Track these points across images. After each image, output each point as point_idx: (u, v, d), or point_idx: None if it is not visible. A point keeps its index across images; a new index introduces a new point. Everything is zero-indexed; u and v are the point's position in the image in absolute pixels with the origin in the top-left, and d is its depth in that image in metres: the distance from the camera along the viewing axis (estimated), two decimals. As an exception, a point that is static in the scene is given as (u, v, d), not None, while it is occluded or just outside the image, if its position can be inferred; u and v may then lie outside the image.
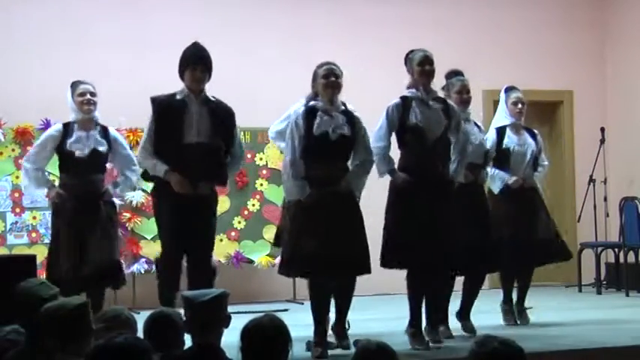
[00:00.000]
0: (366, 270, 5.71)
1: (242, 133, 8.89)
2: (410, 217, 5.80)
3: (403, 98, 5.99)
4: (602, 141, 10.03)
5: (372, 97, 8.83)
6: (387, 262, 5.92)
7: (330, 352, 5.64)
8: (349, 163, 5.81)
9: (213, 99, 6.03)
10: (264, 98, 9.02)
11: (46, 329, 3.74)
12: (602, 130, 10.08)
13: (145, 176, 6.14)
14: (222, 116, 6.01)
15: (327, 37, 9.68)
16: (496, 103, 9.92)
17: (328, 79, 5.74)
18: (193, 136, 5.87)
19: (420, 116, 5.91)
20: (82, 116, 6.41)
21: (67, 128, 6.43)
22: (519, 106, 7.06)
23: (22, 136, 8.36)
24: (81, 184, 6.34)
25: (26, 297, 4.03)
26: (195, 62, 5.98)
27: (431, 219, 5.76)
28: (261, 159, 8.95)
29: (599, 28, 10.72)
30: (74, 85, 6.51)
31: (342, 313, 5.79)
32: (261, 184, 8.96)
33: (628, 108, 10.42)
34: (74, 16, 9.08)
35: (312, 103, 5.78)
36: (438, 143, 5.94)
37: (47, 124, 8.24)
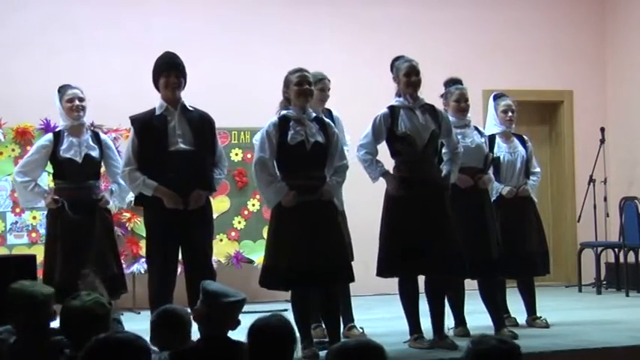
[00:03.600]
0: (349, 278, 5.74)
1: (242, 133, 8.94)
2: (405, 226, 5.82)
3: (391, 108, 6.01)
4: (602, 141, 10.03)
5: (370, 100, 8.85)
6: (382, 272, 5.96)
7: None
8: (325, 170, 5.76)
9: (191, 108, 5.97)
10: (263, 98, 8.97)
11: (65, 326, 3.76)
12: (602, 130, 10.09)
13: (136, 202, 6.06)
14: (202, 124, 5.94)
15: (327, 38, 9.68)
16: (496, 103, 9.94)
17: (301, 87, 5.68)
18: (178, 144, 5.81)
19: (408, 124, 5.94)
20: (72, 122, 6.39)
21: (58, 136, 6.40)
22: (509, 114, 6.99)
23: (22, 136, 8.36)
24: (76, 190, 6.32)
25: (20, 297, 4.02)
26: (169, 69, 5.92)
27: (426, 226, 5.79)
28: (261, 159, 8.95)
29: (599, 28, 10.72)
30: (62, 90, 6.46)
31: (331, 331, 5.73)
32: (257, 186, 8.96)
33: (628, 108, 10.41)
34: (74, 17, 9.08)
35: (283, 112, 5.73)
36: (427, 149, 5.96)
37: (47, 124, 8.25)
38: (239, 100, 9.04)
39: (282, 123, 5.68)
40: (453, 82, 6.61)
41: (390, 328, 6.53)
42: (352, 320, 6.39)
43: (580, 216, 9.97)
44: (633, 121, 10.28)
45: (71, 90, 6.44)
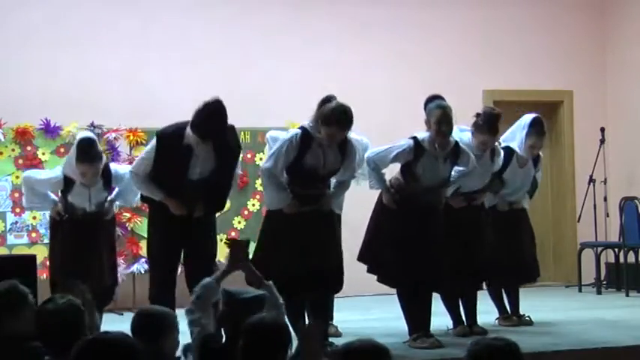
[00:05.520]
0: (339, 286, 5.79)
1: (242, 133, 8.92)
2: (392, 234, 5.88)
3: (417, 144, 5.89)
4: (602, 141, 10.03)
5: (373, 100, 8.87)
6: (363, 259, 6.04)
7: None
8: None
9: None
10: (264, 99, 9.02)
11: (41, 330, 3.74)
12: (602, 130, 10.08)
13: (143, 199, 6.08)
14: (227, 155, 5.88)
15: (328, 39, 9.66)
16: (496, 103, 9.92)
17: (333, 139, 5.58)
18: (196, 175, 5.80)
19: (426, 172, 5.91)
20: (81, 182, 6.16)
21: (67, 182, 6.18)
22: (535, 151, 6.87)
23: (22, 136, 8.35)
24: (82, 215, 6.27)
25: None
26: (208, 137, 5.67)
27: (416, 237, 5.85)
28: (261, 159, 8.90)
29: (599, 29, 10.71)
30: (78, 148, 6.05)
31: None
32: (262, 184, 8.93)
33: (628, 108, 10.41)
34: (74, 16, 9.07)
35: (310, 129, 5.62)
36: (432, 190, 5.98)
37: (47, 124, 8.26)
38: (239, 101, 8.99)
39: (305, 140, 5.61)
40: (433, 99, 6.10)
41: (390, 328, 6.52)
42: (331, 319, 6.42)
43: (580, 216, 9.96)
44: (633, 121, 10.28)
45: (85, 165, 6.02)
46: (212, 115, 5.62)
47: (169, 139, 5.79)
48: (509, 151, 6.84)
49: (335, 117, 5.52)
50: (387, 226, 5.95)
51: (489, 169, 6.53)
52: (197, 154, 5.76)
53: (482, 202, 6.63)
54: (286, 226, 5.60)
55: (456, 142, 6.04)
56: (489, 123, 6.30)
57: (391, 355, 3.19)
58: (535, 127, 6.84)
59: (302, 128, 5.68)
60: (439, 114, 5.83)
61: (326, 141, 5.61)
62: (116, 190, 6.50)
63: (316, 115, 5.61)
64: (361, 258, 6.11)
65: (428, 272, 5.85)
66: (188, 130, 5.72)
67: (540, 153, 7.09)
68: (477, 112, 6.38)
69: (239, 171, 6.23)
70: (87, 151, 6.06)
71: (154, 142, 5.87)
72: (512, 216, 6.92)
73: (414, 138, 5.92)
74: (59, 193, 6.36)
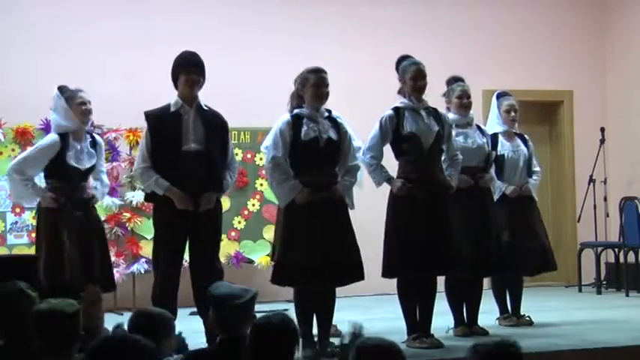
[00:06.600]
0: (361, 277, 5.77)
1: (242, 133, 8.95)
2: (411, 226, 5.83)
3: (395, 109, 6.01)
4: (602, 141, 10.04)
5: (372, 99, 8.86)
6: (391, 272, 5.95)
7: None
8: (337, 168, 5.80)
9: (206, 108, 5.95)
10: (264, 98, 9.02)
11: (37, 331, 3.75)
12: (602, 130, 10.09)
13: (147, 198, 6.08)
14: (216, 126, 5.93)
15: (328, 37, 9.68)
16: (496, 103, 9.92)
17: (319, 90, 5.70)
18: (190, 144, 5.80)
19: (413, 125, 5.96)
20: (80, 126, 6.29)
21: (64, 140, 6.28)
22: (512, 114, 7.02)
23: (22, 136, 8.36)
24: (70, 189, 6.27)
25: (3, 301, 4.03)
26: (189, 66, 5.89)
27: (430, 226, 5.81)
28: (261, 159, 8.93)
29: (599, 28, 10.72)
30: (66, 91, 6.35)
31: (323, 326, 5.75)
32: (261, 184, 8.97)
33: (628, 108, 10.42)
34: (75, 16, 9.09)
35: (296, 111, 5.73)
36: (432, 149, 5.98)
37: (47, 124, 8.24)
38: (239, 100, 9.04)
39: (295, 121, 5.69)
40: (454, 80, 6.66)
41: (390, 328, 6.52)
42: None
43: (580, 216, 9.97)
44: (633, 121, 10.29)
45: (81, 93, 6.36)
46: (183, 52, 5.99)
47: (156, 112, 5.94)
48: (494, 135, 6.95)
49: (313, 68, 5.75)
50: (401, 215, 5.92)
51: (480, 142, 6.58)
52: (186, 118, 5.83)
53: (490, 191, 6.66)
54: (301, 217, 5.59)
55: (435, 108, 6.15)
56: None
57: (404, 356, 3.18)
58: (501, 95, 7.13)
59: (290, 116, 5.76)
60: (414, 70, 5.99)
61: (315, 95, 5.68)
62: (94, 182, 6.55)
63: (299, 87, 5.75)
64: (385, 274, 6.02)
65: (438, 256, 5.83)
66: (173, 99, 5.91)
67: (529, 140, 7.19)
68: None
69: (234, 153, 6.23)
70: (77, 88, 6.41)
71: (145, 125, 5.98)
72: (521, 204, 6.94)
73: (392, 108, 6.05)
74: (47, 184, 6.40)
